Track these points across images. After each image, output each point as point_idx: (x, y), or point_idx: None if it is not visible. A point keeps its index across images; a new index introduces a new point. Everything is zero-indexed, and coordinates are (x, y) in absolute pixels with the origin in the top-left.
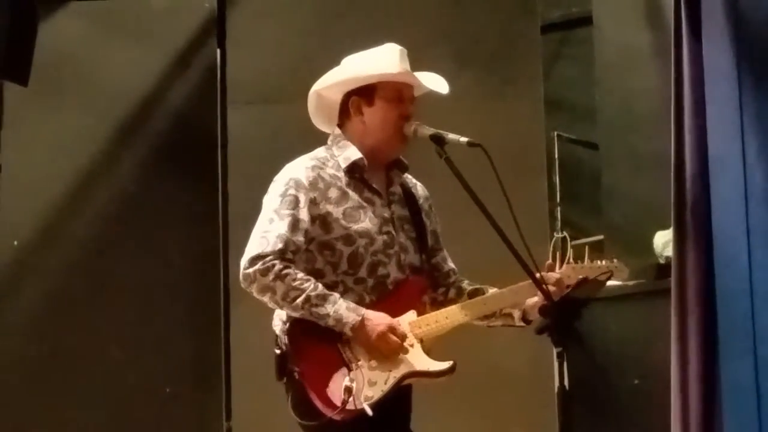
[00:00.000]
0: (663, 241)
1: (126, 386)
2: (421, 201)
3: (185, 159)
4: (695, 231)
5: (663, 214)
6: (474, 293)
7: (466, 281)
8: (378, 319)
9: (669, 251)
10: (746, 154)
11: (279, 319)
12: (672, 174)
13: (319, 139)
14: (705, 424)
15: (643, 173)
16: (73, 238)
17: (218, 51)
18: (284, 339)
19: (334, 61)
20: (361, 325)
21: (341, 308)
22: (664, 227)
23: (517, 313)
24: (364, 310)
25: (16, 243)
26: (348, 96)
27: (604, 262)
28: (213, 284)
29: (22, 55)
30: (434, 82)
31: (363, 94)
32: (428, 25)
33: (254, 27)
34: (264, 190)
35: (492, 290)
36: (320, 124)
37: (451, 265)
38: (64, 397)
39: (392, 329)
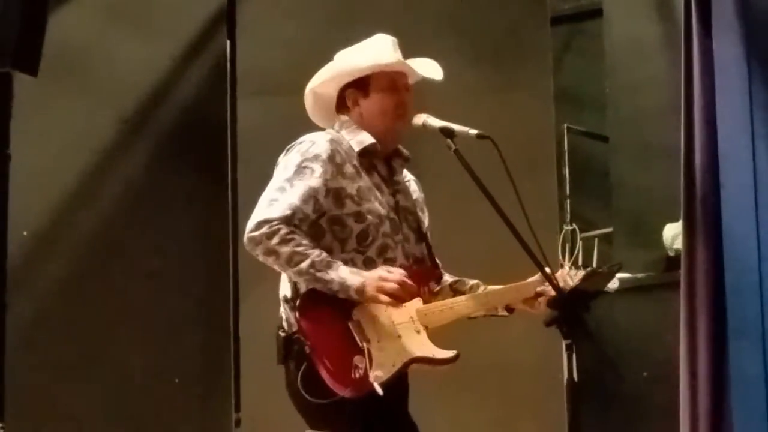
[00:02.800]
0: (672, 233)
1: (135, 377)
2: (415, 196)
3: (195, 150)
4: (705, 223)
5: (672, 207)
6: (455, 284)
7: (447, 275)
8: (370, 272)
9: (678, 244)
10: (756, 146)
11: (287, 298)
12: (681, 166)
13: None
14: (714, 416)
15: (653, 166)
16: (82, 228)
17: (228, 42)
18: (294, 316)
19: None
20: (364, 285)
21: (345, 272)
22: (674, 220)
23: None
24: (365, 273)
25: (25, 233)
26: (343, 90)
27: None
28: (222, 275)
29: (32, 46)
30: (427, 69)
31: (358, 86)
32: (437, 18)
33: (264, 19)
34: None
35: (472, 282)
36: (320, 120)
37: (435, 260)
38: (72, 387)
39: (387, 269)
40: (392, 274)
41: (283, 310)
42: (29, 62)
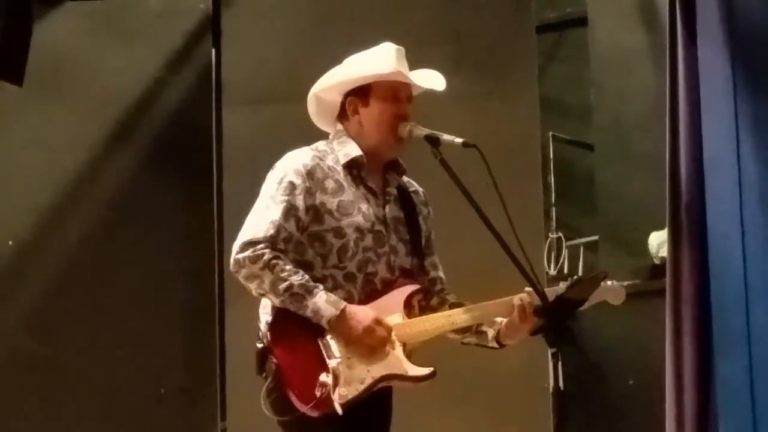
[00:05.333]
0: (658, 241)
1: (121, 386)
2: (419, 205)
3: (180, 159)
4: (690, 231)
5: (658, 215)
6: (455, 307)
7: (452, 295)
8: (363, 313)
9: (664, 252)
10: (741, 154)
11: (263, 313)
12: (667, 174)
13: (314, 139)
14: (700, 423)
15: (638, 173)
16: (67, 238)
17: (213, 51)
18: (266, 331)
19: (329, 61)
20: (341, 320)
21: (320, 300)
22: (659, 227)
23: (491, 333)
24: (344, 304)
25: (11, 243)
26: (345, 97)
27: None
28: (208, 284)
29: (17, 55)
30: (430, 81)
31: (359, 94)
32: (424, 26)
33: (249, 27)
34: (259, 190)
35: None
36: (323, 125)
37: (440, 274)
38: (57, 397)
39: (378, 322)
40: (381, 328)
41: (260, 324)
42: (14, 72)
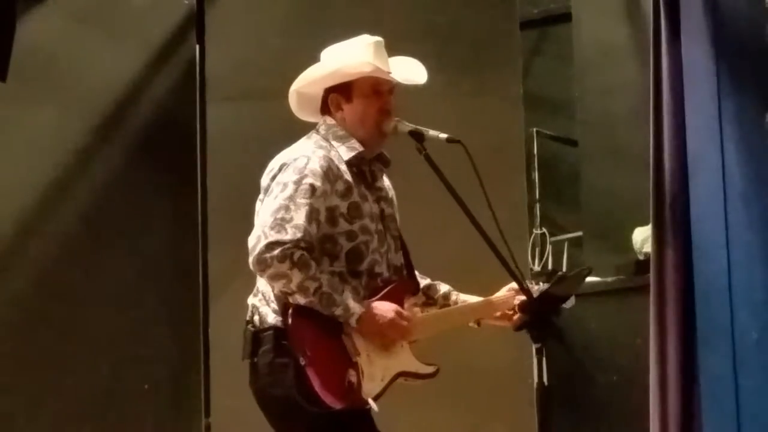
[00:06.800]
0: (642, 237)
1: (104, 383)
2: (390, 194)
3: (164, 155)
4: (674, 227)
5: (642, 211)
6: (428, 290)
7: (418, 276)
8: (385, 306)
9: (648, 247)
10: (725, 150)
11: (267, 302)
12: (651, 170)
13: (299, 135)
14: (684, 419)
15: (622, 170)
16: (51, 235)
17: (197, 47)
18: (284, 322)
19: (314, 57)
20: (368, 315)
21: (348, 298)
22: (643, 223)
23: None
24: (368, 302)
25: None
26: (327, 92)
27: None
28: (192, 281)
29: (1, 51)
30: (411, 73)
31: (341, 91)
32: (407, 21)
33: (233, 23)
34: (243, 186)
35: (444, 289)
36: (306, 116)
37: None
38: (40, 394)
39: (400, 314)
40: (403, 320)
41: (259, 307)
42: None
